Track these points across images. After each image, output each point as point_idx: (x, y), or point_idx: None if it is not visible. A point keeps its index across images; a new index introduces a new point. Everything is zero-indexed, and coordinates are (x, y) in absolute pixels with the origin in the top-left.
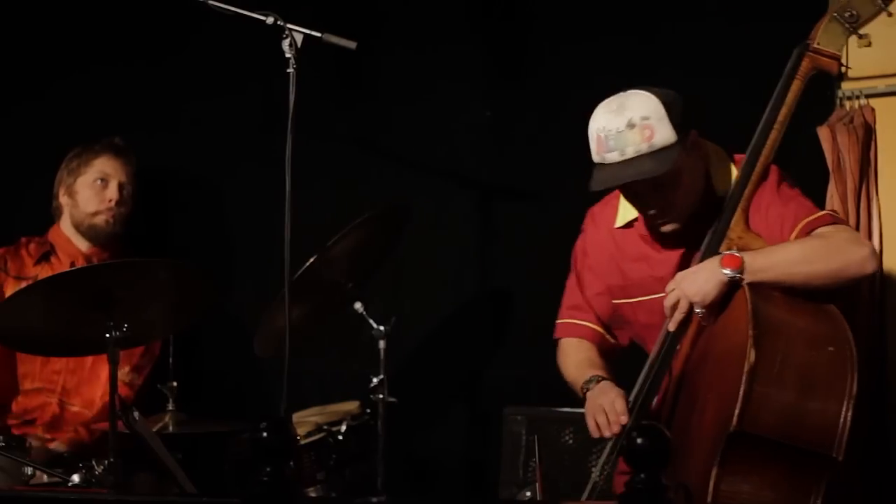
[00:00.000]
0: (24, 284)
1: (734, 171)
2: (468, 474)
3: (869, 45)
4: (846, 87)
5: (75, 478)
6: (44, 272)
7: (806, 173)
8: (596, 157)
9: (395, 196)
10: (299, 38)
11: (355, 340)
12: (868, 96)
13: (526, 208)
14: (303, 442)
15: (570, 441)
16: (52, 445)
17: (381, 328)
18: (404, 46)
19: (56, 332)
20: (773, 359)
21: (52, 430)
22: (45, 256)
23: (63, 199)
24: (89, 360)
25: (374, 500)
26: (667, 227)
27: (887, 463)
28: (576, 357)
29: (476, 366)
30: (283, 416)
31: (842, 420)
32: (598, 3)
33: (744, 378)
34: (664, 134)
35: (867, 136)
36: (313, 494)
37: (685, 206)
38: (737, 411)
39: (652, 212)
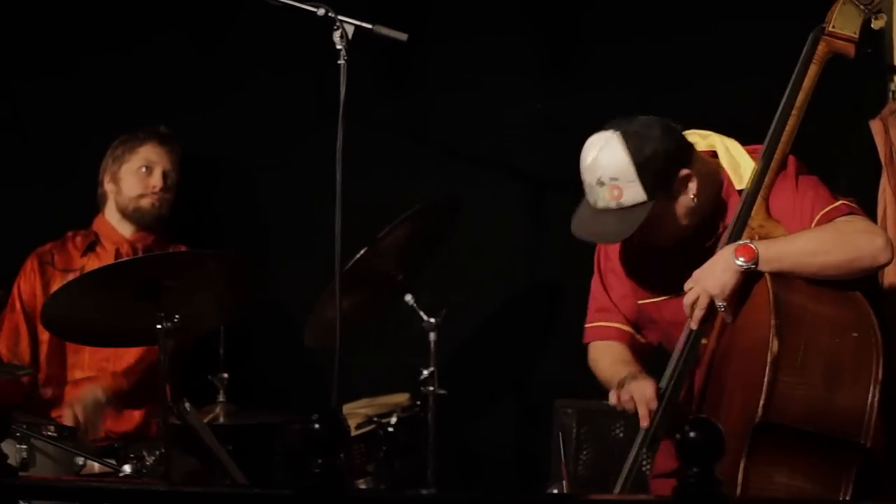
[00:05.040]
0: (70, 276)
1: (751, 163)
2: (518, 467)
3: (885, 24)
4: None
5: (126, 468)
6: (90, 262)
7: (858, 167)
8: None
9: (446, 188)
10: (350, 30)
11: (406, 332)
12: None
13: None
14: (353, 434)
15: (621, 434)
16: (86, 388)
17: (432, 320)
18: (454, 37)
19: (107, 323)
20: (797, 347)
21: None
22: (91, 247)
23: (108, 187)
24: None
25: (424, 492)
26: (656, 249)
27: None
28: (608, 358)
29: (526, 358)
30: (334, 407)
31: (868, 406)
32: None
33: (767, 368)
34: (633, 195)
35: None
36: (363, 486)
37: (676, 235)
38: (761, 402)
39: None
